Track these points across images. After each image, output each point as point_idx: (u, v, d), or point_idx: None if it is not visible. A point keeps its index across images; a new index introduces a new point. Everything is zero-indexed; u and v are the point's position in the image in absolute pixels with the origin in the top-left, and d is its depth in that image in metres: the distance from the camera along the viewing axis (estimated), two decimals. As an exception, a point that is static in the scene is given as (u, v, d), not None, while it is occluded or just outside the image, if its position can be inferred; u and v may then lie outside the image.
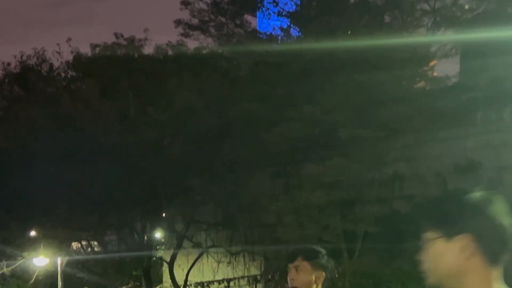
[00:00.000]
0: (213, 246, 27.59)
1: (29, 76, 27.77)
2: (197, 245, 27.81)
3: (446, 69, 27.11)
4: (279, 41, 34.55)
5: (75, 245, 33.57)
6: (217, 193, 24.67)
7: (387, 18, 32.68)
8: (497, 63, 20.26)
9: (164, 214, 28.39)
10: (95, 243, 32.76)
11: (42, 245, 25.89)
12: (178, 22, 36.31)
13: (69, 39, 28.49)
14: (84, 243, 33.23)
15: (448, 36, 30.39)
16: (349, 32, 24.41)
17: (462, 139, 18.83)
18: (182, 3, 36.34)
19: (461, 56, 25.26)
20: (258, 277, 26.62)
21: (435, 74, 26.77)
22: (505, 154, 17.76)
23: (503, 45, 20.77)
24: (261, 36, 36.01)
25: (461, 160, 18.57)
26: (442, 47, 29.47)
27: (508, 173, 17.62)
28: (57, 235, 25.84)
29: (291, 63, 22.71)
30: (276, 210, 20.59)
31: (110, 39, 31.67)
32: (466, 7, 29.80)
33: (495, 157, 17.89)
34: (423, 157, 19.40)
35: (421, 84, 24.10)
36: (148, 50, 32.51)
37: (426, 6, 31.45)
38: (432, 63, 26.03)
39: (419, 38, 30.02)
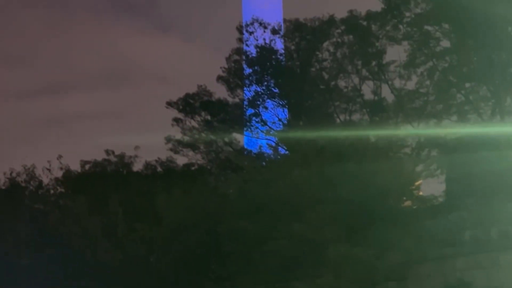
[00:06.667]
0: None
1: (17, 193, 27.85)
2: None
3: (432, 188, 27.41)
4: (267, 159, 34.94)
5: None
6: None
7: (372, 138, 33.40)
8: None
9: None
10: None
11: None
12: (168, 139, 36.80)
13: (60, 156, 29.02)
14: None
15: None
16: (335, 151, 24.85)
17: (451, 259, 18.83)
18: (174, 120, 37.03)
19: (446, 176, 25.68)
20: None
21: (420, 193, 27.08)
22: (495, 275, 17.73)
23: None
24: (248, 154, 36.45)
25: (451, 279, 18.50)
26: (426, 167, 29.98)
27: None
28: None
29: (279, 180, 22.95)
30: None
31: (101, 156, 32.18)
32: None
33: (485, 277, 17.86)
34: (414, 277, 19.31)
35: (407, 203, 24.35)
36: (137, 167, 32.93)
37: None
38: (417, 183, 26.39)
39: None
